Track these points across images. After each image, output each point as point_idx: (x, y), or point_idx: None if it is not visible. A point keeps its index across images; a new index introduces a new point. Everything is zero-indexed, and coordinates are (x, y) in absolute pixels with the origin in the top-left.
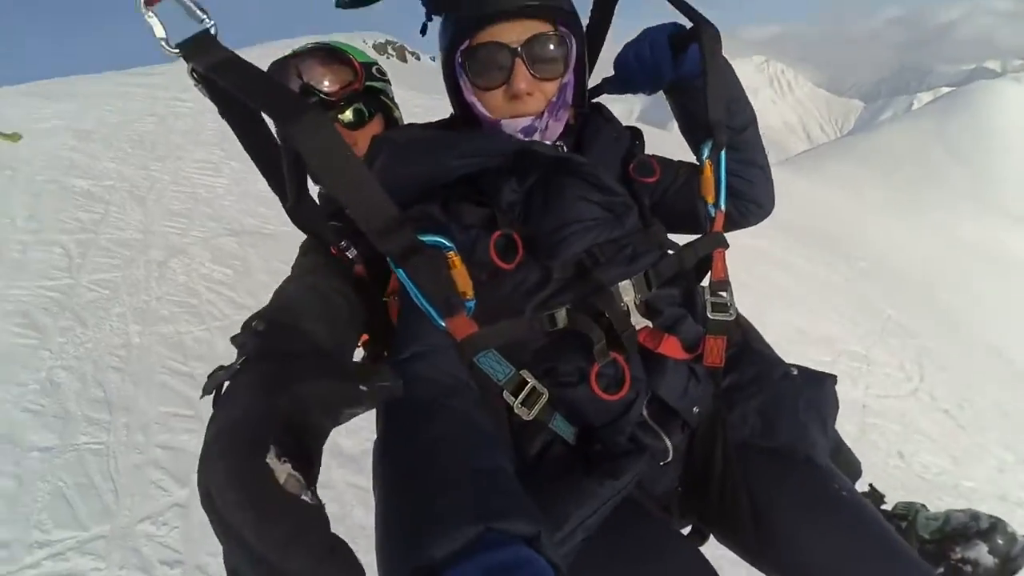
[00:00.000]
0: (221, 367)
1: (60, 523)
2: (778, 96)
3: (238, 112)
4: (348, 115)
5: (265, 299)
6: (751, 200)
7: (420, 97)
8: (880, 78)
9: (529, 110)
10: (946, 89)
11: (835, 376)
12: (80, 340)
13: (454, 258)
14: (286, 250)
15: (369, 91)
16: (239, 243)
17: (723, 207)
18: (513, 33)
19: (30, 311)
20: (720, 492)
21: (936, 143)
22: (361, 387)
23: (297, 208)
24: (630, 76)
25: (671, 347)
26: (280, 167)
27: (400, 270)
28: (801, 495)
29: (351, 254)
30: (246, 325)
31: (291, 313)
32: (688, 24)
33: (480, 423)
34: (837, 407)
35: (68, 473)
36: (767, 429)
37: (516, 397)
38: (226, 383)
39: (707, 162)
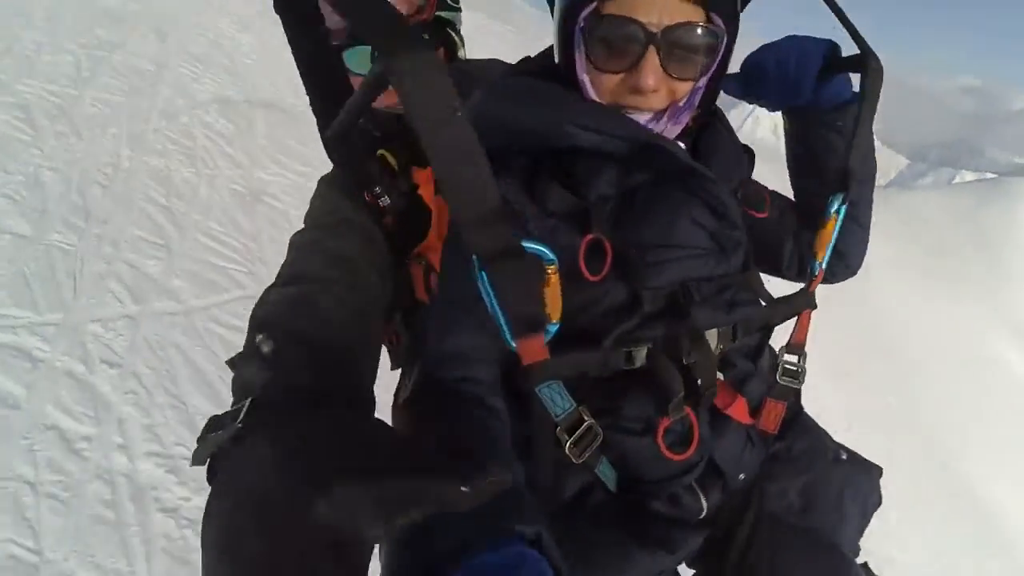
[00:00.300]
0: (215, 421)
1: (18, 303)
2: None
3: (299, 11)
4: None
5: (263, 163)
6: (843, 260)
7: (490, 22)
8: (933, 142)
9: (649, 106)
10: (991, 175)
11: (881, 468)
12: (72, 149)
13: (552, 275)
14: (296, 125)
15: (437, 21)
16: (249, 104)
17: (824, 266)
18: (655, 11)
19: (31, 109)
20: (741, 554)
21: (968, 223)
22: (462, 488)
23: (342, 140)
24: (760, 83)
25: (739, 410)
26: (332, 84)
27: (483, 272)
28: None
29: (383, 202)
30: (249, 339)
31: (308, 309)
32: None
33: (502, 436)
34: (880, 502)
35: (35, 263)
36: (807, 509)
37: (569, 436)
38: (225, 447)
39: (833, 216)
